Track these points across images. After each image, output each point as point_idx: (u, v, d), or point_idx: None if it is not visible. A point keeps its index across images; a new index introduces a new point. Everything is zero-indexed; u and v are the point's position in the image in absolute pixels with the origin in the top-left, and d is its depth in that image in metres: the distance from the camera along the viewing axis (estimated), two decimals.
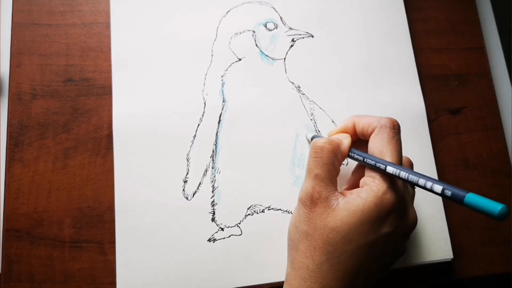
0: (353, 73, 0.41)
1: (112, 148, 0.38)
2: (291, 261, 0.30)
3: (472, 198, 0.22)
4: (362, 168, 0.33)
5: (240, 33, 0.41)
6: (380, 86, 0.41)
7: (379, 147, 0.30)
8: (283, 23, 0.42)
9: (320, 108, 0.40)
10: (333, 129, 0.36)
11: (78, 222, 0.37)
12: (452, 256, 0.38)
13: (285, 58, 0.41)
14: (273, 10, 0.42)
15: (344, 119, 0.40)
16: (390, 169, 0.28)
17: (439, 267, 0.39)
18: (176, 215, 0.37)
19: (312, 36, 0.42)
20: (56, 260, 0.36)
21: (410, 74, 0.42)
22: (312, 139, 0.37)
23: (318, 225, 0.29)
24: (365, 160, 0.30)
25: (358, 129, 0.33)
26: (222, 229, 0.37)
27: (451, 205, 0.41)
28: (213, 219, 0.37)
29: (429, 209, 0.39)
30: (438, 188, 0.24)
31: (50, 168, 0.38)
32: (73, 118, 0.39)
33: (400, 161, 0.30)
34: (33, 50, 0.40)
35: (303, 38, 0.42)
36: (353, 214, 0.28)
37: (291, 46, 0.41)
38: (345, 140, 0.33)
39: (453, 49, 0.45)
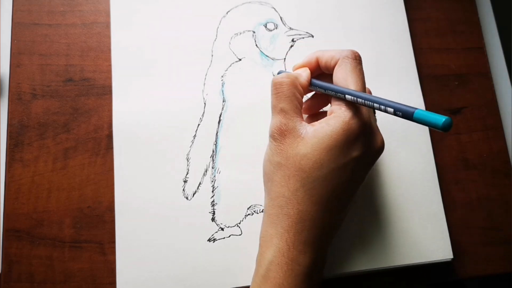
0: None
1: (112, 148, 0.38)
2: (268, 192, 0.31)
3: (420, 113, 0.24)
4: (320, 96, 0.35)
5: (240, 33, 0.41)
6: (380, 86, 0.41)
7: (343, 76, 0.31)
8: (283, 23, 0.42)
9: None
10: (296, 63, 0.36)
11: (78, 222, 0.37)
12: (452, 256, 0.38)
13: (285, 58, 0.41)
14: (273, 10, 0.42)
15: None
16: (349, 97, 0.29)
17: (439, 267, 0.39)
18: (176, 215, 0.37)
19: (312, 36, 0.42)
20: (56, 260, 0.36)
21: (410, 74, 0.42)
22: (278, 73, 0.38)
23: (290, 154, 0.30)
24: (329, 90, 0.32)
25: (322, 63, 0.34)
26: (222, 229, 0.37)
27: (451, 205, 0.41)
28: (213, 219, 0.37)
29: (429, 209, 0.39)
30: (390, 110, 0.27)
31: (50, 168, 0.38)
32: (73, 118, 0.39)
33: (363, 88, 0.31)
34: (33, 50, 0.40)
35: (303, 38, 0.42)
36: (322, 140, 0.29)
37: (291, 46, 0.41)
38: (304, 73, 0.34)
39: (453, 49, 0.45)
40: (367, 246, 0.37)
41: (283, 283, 0.28)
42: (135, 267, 0.35)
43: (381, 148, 0.32)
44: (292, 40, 0.41)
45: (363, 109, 0.30)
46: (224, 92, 0.40)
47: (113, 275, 0.36)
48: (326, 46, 0.42)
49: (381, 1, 0.44)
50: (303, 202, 0.29)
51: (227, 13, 0.41)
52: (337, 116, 0.30)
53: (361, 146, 0.30)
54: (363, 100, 0.29)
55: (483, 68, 0.45)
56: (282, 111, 0.31)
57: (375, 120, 0.33)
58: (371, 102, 0.28)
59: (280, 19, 0.42)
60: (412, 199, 0.39)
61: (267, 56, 0.41)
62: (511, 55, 0.48)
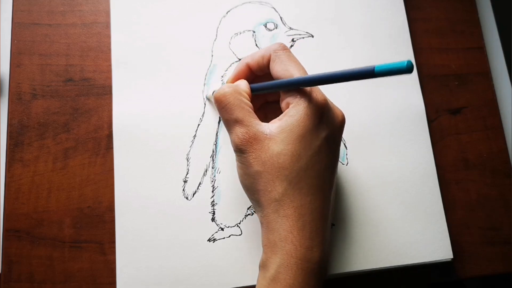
0: None
1: (112, 148, 0.38)
2: (257, 204, 0.30)
3: (380, 67, 0.24)
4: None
5: (240, 33, 0.41)
6: (380, 86, 0.41)
7: (283, 68, 0.31)
8: (283, 23, 0.42)
9: None
10: (228, 77, 0.36)
11: (78, 222, 0.37)
12: (452, 256, 0.38)
13: None
14: (273, 10, 0.42)
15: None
16: (303, 83, 0.29)
17: (439, 267, 0.39)
18: (176, 215, 0.37)
19: (312, 36, 0.42)
20: (56, 260, 0.36)
21: (410, 74, 0.42)
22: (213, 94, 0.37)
23: (265, 158, 0.29)
24: (279, 87, 0.31)
25: (254, 66, 0.34)
26: (222, 229, 0.37)
27: (451, 205, 0.41)
28: (213, 219, 0.37)
29: (429, 209, 0.39)
30: (350, 77, 0.26)
31: (50, 168, 0.38)
32: (73, 118, 0.39)
33: (305, 71, 0.31)
34: (33, 50, 0.40)
35: (303, 38, 0.42)
36: (292, 132, 0.29)
37: (291, 46, 0.41)
38: (241, 83, 0.33)
39: (453, 49, 0.45)
40: (367, 246, 0.37)
41: (293, 283, 0.28)
42: (135, 267, 0.35)
43: (343, 121, 0.32)
44: (292, 40, 0.41)
45: (315, 91, 0.30)
46: None
47: (113, 275, 0.36)
48: (326, 46, 0.42)
49: (381, 1, 0.44)
50: (296, 199, 0.29)
51: (227, 13, 0.41)
52: (296, 105, 0.30)
53: (327, 124, 0.30)
54: (320, 81, 0.28)
55: (483, 68, 0.45)
56: (237, 121, 0.30)
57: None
58: (331, 78, 0.28)
59: (280, 19, 0.42)
60: (412, 199, 0.39)
61: None
62: (511, 55, 0.48)
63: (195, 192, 0.37)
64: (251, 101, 0.33)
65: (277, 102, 0.32)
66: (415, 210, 0.39)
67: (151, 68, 0.40)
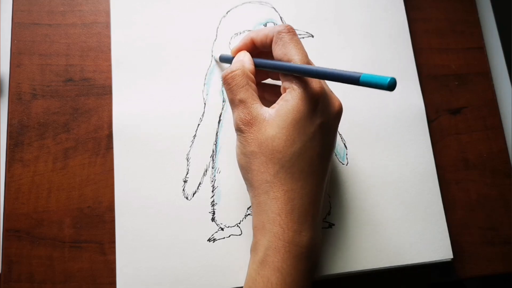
0: None
1: (112, 148, 0.38)
2: (250, 184, 0.31)
3: (365, 76, 0.25)
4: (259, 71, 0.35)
5: (240, 33, 0.41)
6: None
7: (283, 51, 0.31)
8: (283, 23, 0.42)
9: None
10: (233, 47, 0.36)
11: (78, 222, 0.37)
12: (452, 256, 0.38)
13: None
14: (273, 10, 0.42)
15: (343, 118, 0.40)
16: (295, 71, 0.30)
17: (439, 267, 0.39)
18: (176, 215, 0.37)
19: (312, 36, 0.42)
20: (56, 260, 0.36)
21: (410, 74, 0.42)
22: (220, 58, 0.39)
23: (261, 140, 0.30)
24: (274, 68, 0.32)
25: (257, 43, 0.34)
26: (222, 229, 0.37)
27: (451, 205, 0.41)
28: (213, 219, 0.37)
29: (429, 209, 0.39)
30: (336, 78, 0.27)
31: (50, 168, 0.38)
32: (73, 118, 0.39)
33: (305, 57, 0.31)
34: (33, 50, 0.40)
35: (303, 38, 0.42)
36: (286, 117, 0.29)
37: None
38: (245, 58, 0.34)
39: (453, 49, 0.45)
40: (367, 246, 0.37)
41: (282, 266, 0.28)
42: (135, 267, 0.35)
43: (340, 110, 0.32)
44: None
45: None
46: (224, 92, 0.40)
47: (113, 275, 0.36)
48: (325, 46, 0.42)
49: (381, 1, 0.44)
50: (287, 182, 0.29)
51: (227, 13, 0.41)
52: (291, 90, 0.30)
53: (322, 112, 0.30)
54: (308, 73, 0.29)
55: (483, 68, 0.45)
56: (241, 102, 0.31)
57: (327, 85, 0.34)
58: (316, 73, 0.28)
59: (280, 19, 0.42)
60: (412, 199, 0.39)
61: None
62: (511, 55, 0.48)
63: (195, 192, 0.37)
64: (255, 75, 0.34)
65: (277, 86, 0.33)
66: (415, 210, 0.39)
67: (151, 68, 0.40)
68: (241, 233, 0.37)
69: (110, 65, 0.40)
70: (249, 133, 0.30)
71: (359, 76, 0.25)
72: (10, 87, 0.39)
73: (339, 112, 0.32)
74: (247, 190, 0.32)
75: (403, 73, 0.42)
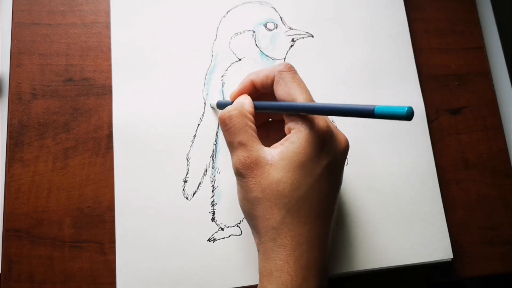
0: (353, 73, 0.41)
1: (112, 148, 0.38)
2: (254, 229, 0.30)
3: (380, 108, 0.23)
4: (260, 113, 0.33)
5: (240, 33, 0.41)
6: (380, 86, 0.41)
7: (286, 91, 0.30)
8: (283, 23, 0.42)
9: None
10: (232, 92, 0.35)
11: (78, 222, 0.37)
12: (452, 256, 0.38)
13: (285, 58, 0.41)
14: (273, 10, 0.42)
15: (343, 119, 0.40)
16: (303, 110, 0.29)
17: (439, 267, 0.39)
18: (176, 215, 0.37)
19: (312, 36, 0.42)
20: (56, 260, 0.36)
21: (410, 74, 0.42)
22: (217, 105, 0.38)
23: (264, 185, 0.28)
24: (279, 109, 0.31)
25: (258, 84, 0.33)
26: (222, 229, 0.37)
27: (451, 205, 0.41)
28: (213, 219, 0.37)
29: (429, 209, 0.39)
30: (348, 113, 0.26)
31: (50, 168, 0.38)
32: (73, 118, 0.39)
33: (309, 96, 0.30)
34: (33, 50, 0.40)
35: (303, 38, 0.42)
36: (292, 159, 0.28)
37: (291, 46, 0.41)
38: (246, 100, 0.32)
39: (453, 49, 0.45)
40: (367, 246, 0.37)
41: None
42: (135, 267, 0.35)
43: (346, 147, 0.31)
44: (292, 40, 0.41)
45: (318, 117, 0.30)
46: (224, 92, 0.40)
47: (113, 275, 0.36)
48: (325, 46, 0.42)
49: (381, 1, 0.44)
50: (294, 227, 0.28)
51: (227, 13, 0.41)
52: (297, 131, 0.29)
53: (329, 152, 0.29)
54: (318, 111, 0.28)
55: (483, 68, 0.45)
56: (241, 144, 0.30)
57: (331, 121, 0.33)
58: (327, 110, 0.27)
59: (280, 19, 0.42)
60: (412, 199, 0.39)
61: (267, 56, 0.41)
62: (511, 55, 0.48)
63: (195, 192, 0.37)
64: (254, 117, 0.32)
65: (281, 122, 0.32)
66: (415, 210, 0.39)
67: (151, 68, 0.40)
68: (241, 233, 0.37)
69: (110, 65, 0.40)
70: (250, 177, 0.29)
71: (373, 109, 0.23)
72: (10, 87, 0.39)
73: (346, 149, 0.31)
74: (252, 234, 0.31)
75: (403, 73, 0.42)
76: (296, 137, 0.29)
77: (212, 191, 0.38)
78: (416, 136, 0.41)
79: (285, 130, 0.31)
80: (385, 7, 0.43)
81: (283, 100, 0.30)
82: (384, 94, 0.41)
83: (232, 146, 0.31)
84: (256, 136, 0.31)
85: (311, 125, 0.29)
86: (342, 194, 0.38)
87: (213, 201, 0.37)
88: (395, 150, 0.40)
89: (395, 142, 0.40)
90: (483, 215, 0.41)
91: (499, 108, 0.44)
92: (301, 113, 0.29)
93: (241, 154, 0.30)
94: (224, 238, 0.37)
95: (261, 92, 0.34)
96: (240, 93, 0.34)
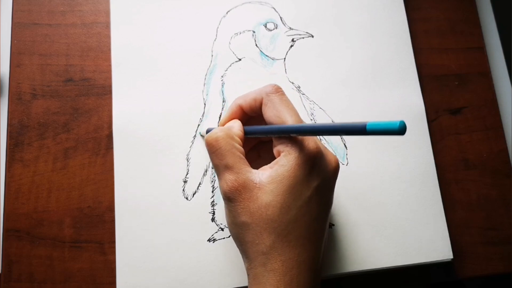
0: (353, 73, 0.41)
1: (112, 148, 0.38)
2: (244, 254, 0.30)
3: (372, 125, 0.22)
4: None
5: (240, 33, 0.41)
6: (380, 86, 0.41)
7: (275, 114, 0.30)
8: (283, 23, 0.42)
9: (320, 108, 0.40)
10: (222, 118, 0.35)
11: (78, 222, 0.37)
12: (452, 256, 0.38)
13: (285, 58, 0.41)
14: (273, 10, 0.42)
15: (343, 119, 0.40)
16: (294, 132, 0.28)
17: (439, 267, 0.39)
18: (176, 215, 0.37)
19: (312, 36, 0.42)
20: (56, 260, 0.36)
21: (410, 74, 0.42)
22: (206, 132, 0.37)
23: (253, 209, 0.28)
24: (269, 133, 0.31)
25: (246, 108, 0.33)
26: (222, 229, 0.37)
27: (451, 205, 0.41)
28: (213, 219, 0.37)
29: (429, 209, 0.39)
30: (339, 132, 0.26)
31: (50, 168, 0.38)
32: (73, 118, 0.39)
33: (298, 117, 0.30)
34: (33, 50, 0.40)
35: (303, 38, 0.42)
36: (281, 183, 0.28)
37: (291, 46, 0.41)
38: (235, 124, 0.32)
39: (453, 49, 0.45)
40: (367, 246, 0.37)
41: None
42: (135, 267, 0.35)
43: (336, 168, 0.31)
44: (292, 40, 0.41)
45: (308, 139, 0.29)
46: (224, 92, 0.40)
47: (113, 275, 0.36)
48: (326, 46, 0.42)
49: (381, 1, 0.44)
50: (284, 252, 0.28)
51: (227, 13, 0.41)
52: (287, 154, 0.29)
53: (319, 174, 0.29)
54: (309, 132, 0.28)
55: (483, 68, 0.45)
56: (227, 167, 0.29)
57: (320, 141, 0.33)
58: (317, 130, 0.27)
59: (280, 19, 0.42)
60: (412, 199, 0.39)
61: (267, 56, 0.41)
62: (511, 55, 0.48)
63: (195, 192, 0.37)
64: (244, 141, 0.32)
65: (272, 142, 0.31)
66: (415, 210, 0.39)
67: (151, 68, 0.40)
68: None
69: (110, 65, 0.40)
70: (238, 202, 0.28)
71: (365, 125, 0.22)
72: (10, 87, 0.39)
73: (336, 170, 0.31)
74: (242, 258, 0.30)
75: (403, 73, 0.42)
76: (285, 160, 0.28)
77: (212, 191, 0.38)
78: (416, 136, 0.41)
79: (274, 153, 0.30)
80: (385, 7, 0.43)
81: (272, 122, 0.30)
82: (384, 94, 0.41)
83: (219, 169, 0.30)
84: (244, 158, 0.30)
85: (300, 147, 0.29)
86: (342, 195, 0.38)
87: (213, 201, 0.37)
88: (395, 150, 0.40)
89: (395, 142, 0.40)
90: (483, 215, 0.41)
91: (499, 108, 0.44)
92: (291, 135, 0.29)
93: (228, 177, 0.29)
94: (224, 238, 0.37)
95: (250, 116, 0.34)
96: (229, 119, 0.34)
